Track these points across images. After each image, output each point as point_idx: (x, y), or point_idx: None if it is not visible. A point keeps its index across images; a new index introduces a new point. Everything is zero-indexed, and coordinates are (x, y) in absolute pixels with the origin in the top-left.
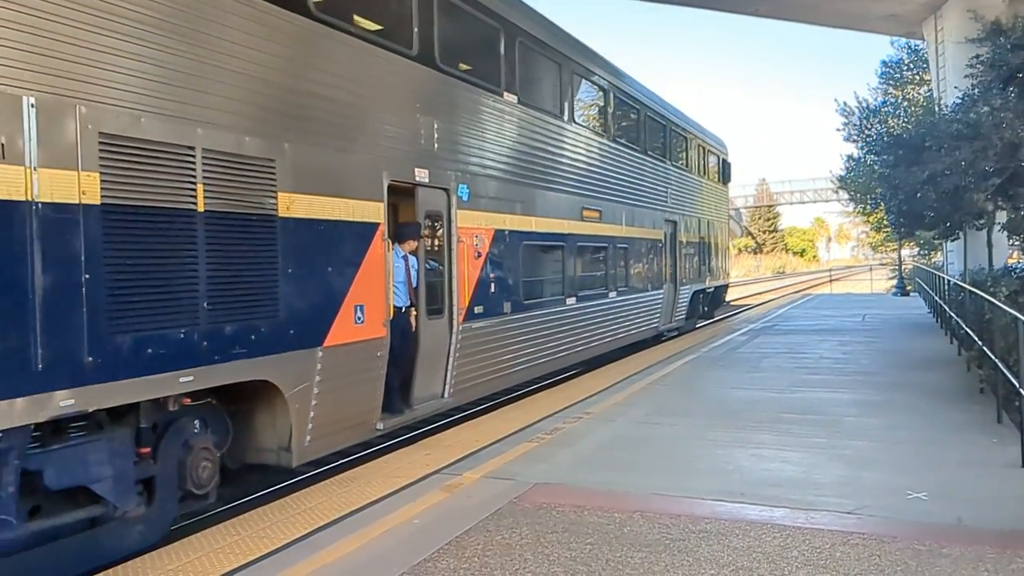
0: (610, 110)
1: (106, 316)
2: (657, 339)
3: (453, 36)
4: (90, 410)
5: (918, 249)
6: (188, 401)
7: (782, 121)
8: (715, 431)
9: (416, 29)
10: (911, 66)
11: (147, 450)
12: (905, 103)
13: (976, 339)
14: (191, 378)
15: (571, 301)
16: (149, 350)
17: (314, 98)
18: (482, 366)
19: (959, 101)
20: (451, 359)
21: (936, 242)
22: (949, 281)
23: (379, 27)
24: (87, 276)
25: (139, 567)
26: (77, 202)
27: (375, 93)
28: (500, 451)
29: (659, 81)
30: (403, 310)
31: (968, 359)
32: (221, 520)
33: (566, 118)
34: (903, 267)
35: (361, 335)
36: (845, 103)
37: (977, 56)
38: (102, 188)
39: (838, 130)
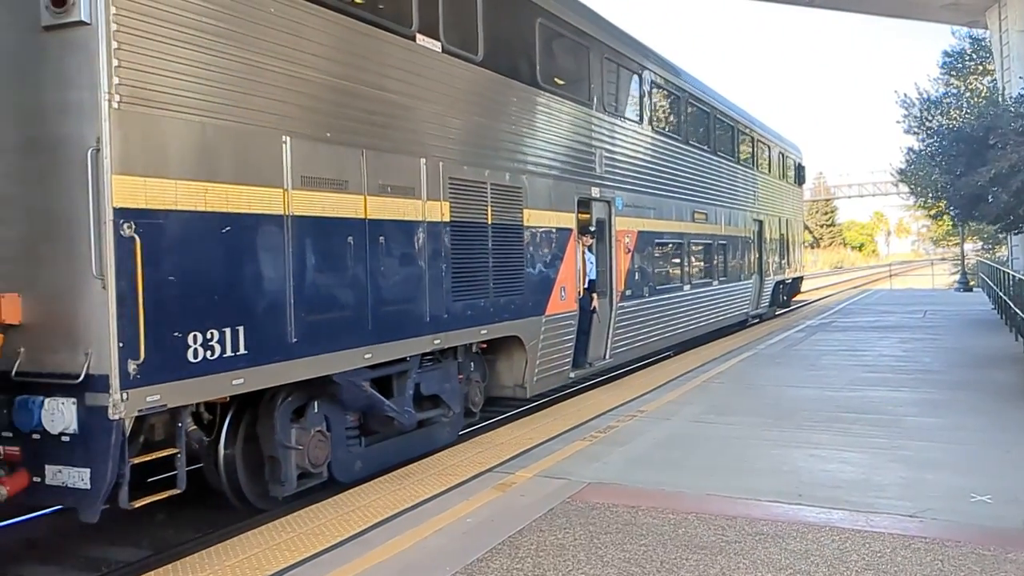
0: (714, 129)
1: (451, 290)
2: (743, 324)
3: (611, 84)
4: (446, 347)
5: (981, 243)
6: (483, 346)
7: (840, 114)
8: (771, 430)
9: (591, 84)
10: (974, 56)
11: (461, 376)
12: (968, 94)
13: None
14: (486, 331)
15: (687, 288)
16: (469, 312)
17: (540, 143)
18: (630, 336)
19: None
20: (610, 329)
21: (1000, 236)
22: (1014, 276)
23: (566, 83)
24: (443, 266)
25: (198, 563)
26: (440, 220)
27: (572, 136)
28: (553, 449)
29: (715, 72)
30: (581, 292)
31: None
32: (277, 517)
33: (683, 138)
34: (966, 262)
35: (564, 308)
36: (906, 95)
37: None
38: (451, 211)
39: (898, 122)
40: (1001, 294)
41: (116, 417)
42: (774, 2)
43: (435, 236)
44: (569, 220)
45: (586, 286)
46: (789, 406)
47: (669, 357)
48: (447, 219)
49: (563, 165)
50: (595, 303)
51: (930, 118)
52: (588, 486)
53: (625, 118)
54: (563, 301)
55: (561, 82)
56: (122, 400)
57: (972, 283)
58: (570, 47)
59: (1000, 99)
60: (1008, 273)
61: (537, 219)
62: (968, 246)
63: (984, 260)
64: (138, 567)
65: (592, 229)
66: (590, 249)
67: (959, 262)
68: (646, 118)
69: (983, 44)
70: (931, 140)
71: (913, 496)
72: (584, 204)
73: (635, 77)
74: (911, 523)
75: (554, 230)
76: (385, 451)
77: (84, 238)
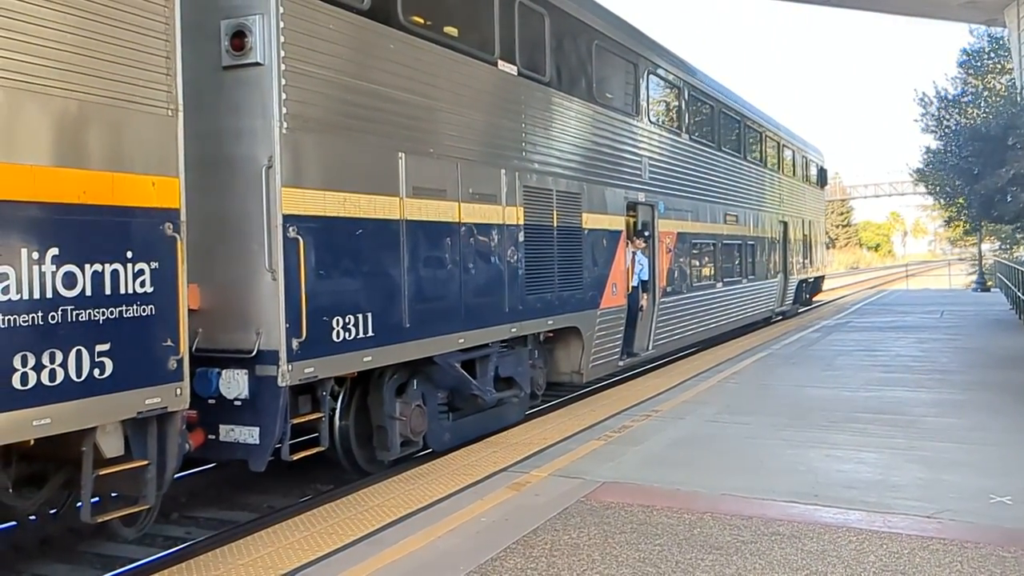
0: (744, 135)
1: (525, 285)
2: (767, 321)
3: (655, 97)
4: (521, 335)
5: (999, 243)
6: (550, 335)
7: (856, 113)
8: (787, 430)
9: (639, 98)
10: (992, 55)
11: (531, 362)
12: (986, 93)
13: None
14: (552, 322)
15: (719, 285)
16: (539, 304)
17: (596, 153)
18: (669, 329)
19: None
20: (653, 323)
21: (1018, 236)
22: None
23: (617, 98)
24: (519, 263)
25: (211, 561)
26: (516, 223)
27: (622, 146)
28: (567, 449)
29: (732, 70)
30: (630, 288)
31: None
32: (291, 516)
33: (716, 145)
34: (983, 262)
35: (615, 303)
36: (924, 93)
37: None
38: (524, 215)
39: (916, 121)
40: (1019, 294)
41: (283, 385)
42: (791, 1)
43: (512, 237)
44: (620, 223)
45: (635, 284)
46: (805, 406)
47: (686, 356)
48: (521, 222)
49: (615, 172)
50: (643, 300)
51: (948, 117)
52: (603, 485)
53: (667, 127)
54: (614, 296)
55: (613, 96)
56: (288, 371)
57: (990, 283)
58: (621, 65)
59: (1018, 98)
60: None
61: (593, 222)
62: (985, 246)
63: (1002, 260)
64: (150, 566)
65: (647, 234)
66: (643, 252)
67: (976, 262)
68: (685, 127)
69: (1002, 43)
70: (948, 140)
71: (931, 497)
72: (631, 208)
73: (676, 90)
74: (929, 524)
75: (608, 232)
76: (468, 425)
77: (257, 239)
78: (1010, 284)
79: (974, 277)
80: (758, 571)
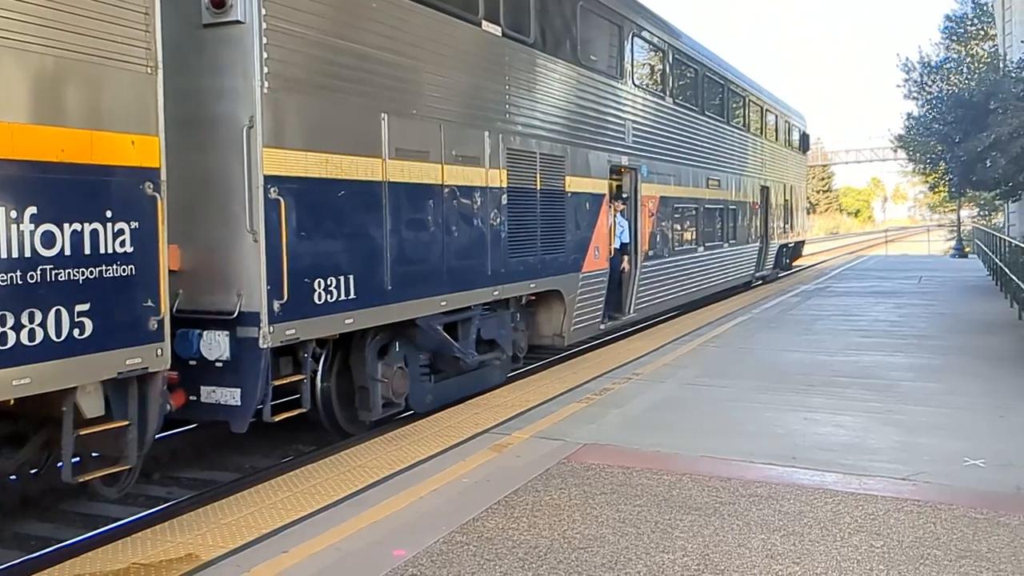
0: (727, 100)
1: (507, 248)
2: (747, 285)
3: (640, 60)
4: (503, 298)
5: (978, 210)
6: (532, 298)
7: (838, 78)
8: (766, 394)
9: (623, 60)
10: (975, 20)
11: (513, 325)
12: (969, 59)
13: None
14: (534, 285)
15: (700, 250)
16: (521, 268)
17: (580, 116)
18: (651, 293)
19: None
20: (634, 287)
21: (997, 203)
22: (1010, 243)
23: (602, 60)
24: (502, 226)
25: (193, 521)
26: (499, 186)
27: (606, 109)
28: (549, 411)
29: (712, 31)
30: (612, 252)
31: None
32: (273, 476)
33: (699, 109)
34: (962, 228)
35: (597, 267)
36: (907, 58)
37: None
38: (507, 178)
39: (898, 86)
40: (997, 260)
41: (264, 347)
42: None
43: (495, 200)
44: (603, 186)
45: (617, 247)
46: (784, 370)
47: (667, 320)
48: (504, 185)
49: (599, 136)
50: (625, 263)
51: (930, 83)
52: (583, 447)
53: (651, 91)
54: (596, 260)
55: (597, 59)
56: (269, 333)
57: (968, 249)
58: (605, 27)
59: (1001, 64)
60: (1004, 239)
61: (577, 185)
62: (964, 212)
63: (980, 226)
64: (132, 525)
65: (625, 196)
66: (622, 214)
67: (955, 228)
68: (669, 90)
69: (985, 8)
70: (930, 106)
71: (906, 459)
72: (615, 171)
73: (660, 53)
74: (904, 486)
75: (591, 195)
76: (450, 387)
77: (238, 200)
78: (988, 251)
79: (953, 243)
80: (736, 531)
